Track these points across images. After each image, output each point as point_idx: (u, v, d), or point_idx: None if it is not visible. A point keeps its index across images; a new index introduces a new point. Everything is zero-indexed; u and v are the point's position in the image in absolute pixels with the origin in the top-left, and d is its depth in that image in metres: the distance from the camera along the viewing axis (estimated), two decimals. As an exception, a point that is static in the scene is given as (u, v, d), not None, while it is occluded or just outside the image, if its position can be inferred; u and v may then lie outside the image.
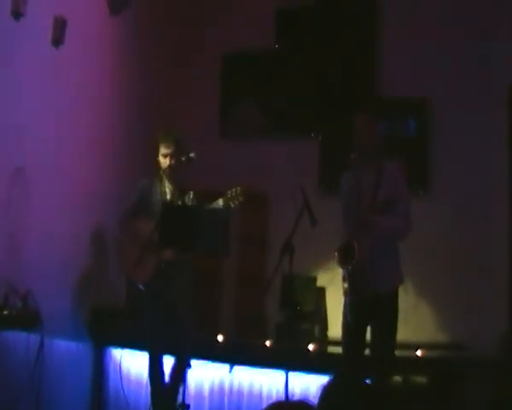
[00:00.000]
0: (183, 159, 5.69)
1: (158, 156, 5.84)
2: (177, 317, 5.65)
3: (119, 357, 6.52)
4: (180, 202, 5.70)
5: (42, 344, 5.81)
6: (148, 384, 5.75)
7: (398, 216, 5.01)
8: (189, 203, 5.78)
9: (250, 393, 6.09)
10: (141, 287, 5.69)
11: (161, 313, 5.68)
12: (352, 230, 5.01)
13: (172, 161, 5.77)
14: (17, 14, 5.82)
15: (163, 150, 5.80)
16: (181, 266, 5.67)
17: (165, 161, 5.80)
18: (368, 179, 5.07)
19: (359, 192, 5.08)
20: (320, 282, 6.63)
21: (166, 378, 5.69)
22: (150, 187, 5.85)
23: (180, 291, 5.67)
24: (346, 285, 5.04)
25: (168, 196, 5.82)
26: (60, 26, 6.21)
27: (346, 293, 5.06)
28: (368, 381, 4.65)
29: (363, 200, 5.04)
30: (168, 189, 5.84)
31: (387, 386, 5.08)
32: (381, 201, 4.97)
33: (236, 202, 5.54)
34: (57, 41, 6.22)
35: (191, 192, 5.85)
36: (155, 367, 5.72)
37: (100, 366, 6.79)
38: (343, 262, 4.97)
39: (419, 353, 5.88)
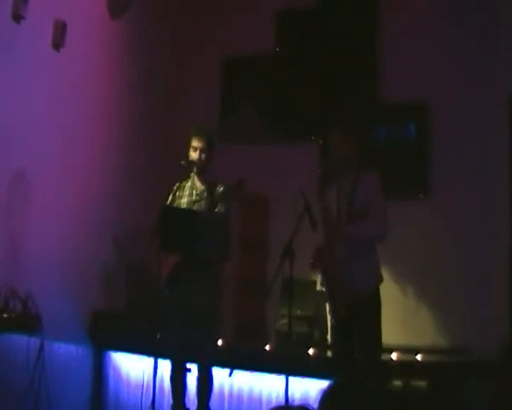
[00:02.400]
0: (188, 160, 5.68)
1: (189, 150, 5.75)
2: (196, 322, 5.55)
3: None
4: (206, 202, 5.61)
5: (42, 347, 5.80)
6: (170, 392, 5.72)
7: (371, 222, 5.13)
8: (219, 198, 5.59)
9: (250, 397, 6.09)
10: (165, 290, 5.59)
11: (181, 318, 5.58)
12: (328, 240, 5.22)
13: (202, 156, 5.69)
14: (17, 17, 5.82)
15: (194, 143, 5.71)
16: (201, 269, 5.51)
17: (194, 155, 5.70)
18: (345, 190, 5.24)
19: (337, 203, 5.25)
20: (320, 286, 6.62)
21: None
22: (179, 189, 5.79)
23: (198, 295, 5.52)
24: (323, 289, 5.32)
25: (193, 198, 5.71)
26: (60, 29, 6.22)
27: (326, 297, 5.29)
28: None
29: (341, 210, 5.20)
30: (195, 189, 5.74)
31: (379, 389, 5.08)
32: (356, 210, 5.14)
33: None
34: (57, 44, 6.23)
35: (221, 187, 5.64)
36: (175, 376, 5.65)
37: (100, 370, 6.79)
38: (315, 265, 5.23)
39: (419, 357, 5.87)
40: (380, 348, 5.22)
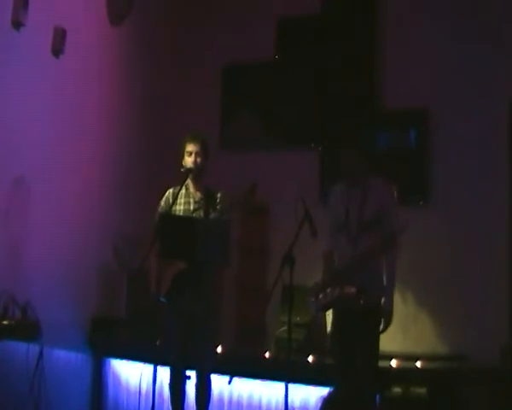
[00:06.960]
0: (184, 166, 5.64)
1: (183, 157, 5.59)
2: (195, 330, 5.48)
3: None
4: (205, 210, 5.53)
5: (41, 354, 5.80)
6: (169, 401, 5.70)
7: (381, 240, 5.03)
8: (218, 207, 5.51)
9: (249, 404, 6.07)
10: (162, 299, 5.50)
11: (180, 326, 5.50)
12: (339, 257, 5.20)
13: (198, 160, 5.56)
14: (17, 24, 5.84)
15: (189, 147, 5.55)
16: (201, 276, 5.43)
17: (189, 160, 5.55)
18: (355, 197, 5.16)
19: (347, 210, 5.17)
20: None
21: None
22: (174, 196, 5.59)
23: (198, 302, 5.44)
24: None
25: (191, 206, 5.59)
26: (60, 36, 6.24)
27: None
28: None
29: (351, 217, 5.13)
30: (192, 198, 5.62)
31: (367, 397, 5.05)
32: (367, 221, 5.07)
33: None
34: (57, 51, 6.25)
35: (219, 194, 5.58)
36: (174, 384, 5.59)
37: (99, 377, 6.78)
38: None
39: (419, 364, 5.87)
40: (377, 355, 5.19)
